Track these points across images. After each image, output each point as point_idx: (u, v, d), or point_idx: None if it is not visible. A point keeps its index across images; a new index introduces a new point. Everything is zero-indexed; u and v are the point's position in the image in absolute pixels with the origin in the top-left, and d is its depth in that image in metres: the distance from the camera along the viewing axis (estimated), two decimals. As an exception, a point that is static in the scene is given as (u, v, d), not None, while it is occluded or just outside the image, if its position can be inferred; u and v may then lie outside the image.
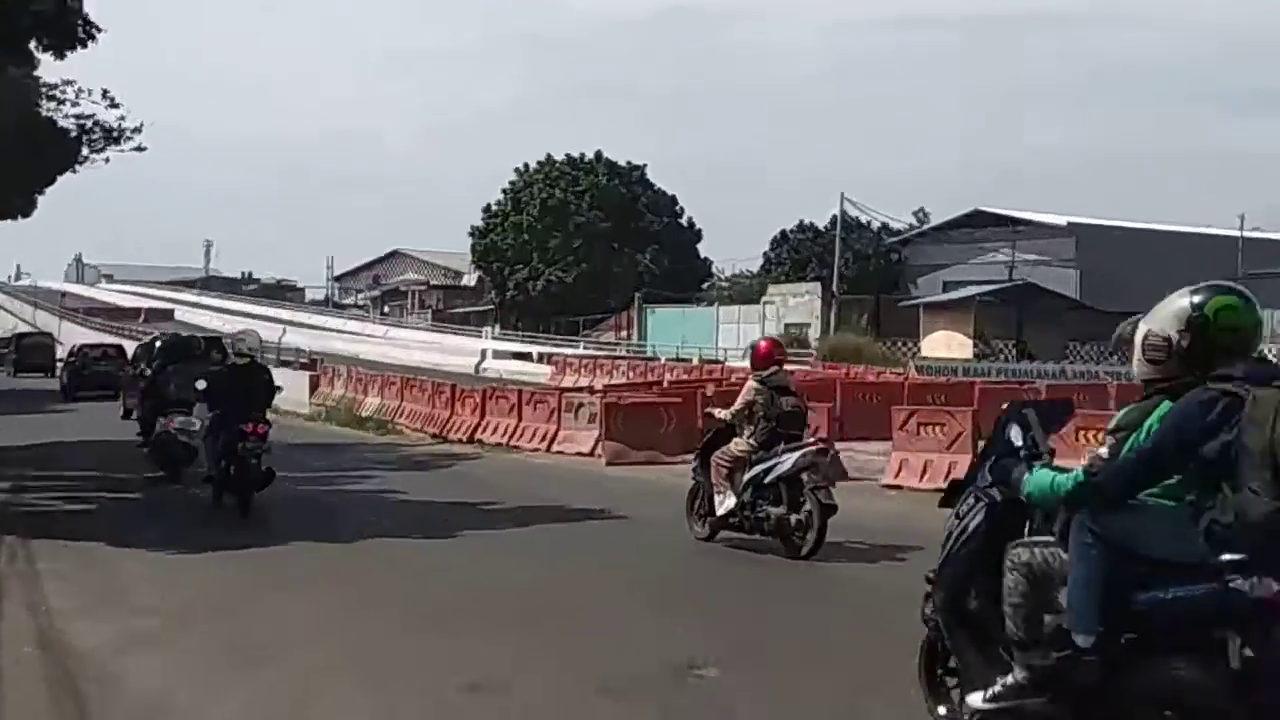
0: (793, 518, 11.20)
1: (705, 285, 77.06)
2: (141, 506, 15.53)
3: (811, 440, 11.92)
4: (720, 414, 12.16)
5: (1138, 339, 4.99)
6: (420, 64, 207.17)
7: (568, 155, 78.03)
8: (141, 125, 31.42)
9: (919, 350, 49.95)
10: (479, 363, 52.54)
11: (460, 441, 23.74)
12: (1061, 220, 57.87)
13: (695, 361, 48.30)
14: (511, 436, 22.80)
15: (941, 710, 5.59)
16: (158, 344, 25.40)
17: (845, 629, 8.30)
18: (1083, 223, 57.61)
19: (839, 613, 8.94)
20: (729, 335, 59.56)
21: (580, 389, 28.11)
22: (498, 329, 72.79)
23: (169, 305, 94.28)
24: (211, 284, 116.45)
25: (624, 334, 68.13)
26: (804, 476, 11.21)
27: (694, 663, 7.36)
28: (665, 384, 30.16)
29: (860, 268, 62.86)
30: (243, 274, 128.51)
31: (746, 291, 68.71)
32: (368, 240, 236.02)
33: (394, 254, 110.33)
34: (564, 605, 9.38)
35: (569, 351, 54.76)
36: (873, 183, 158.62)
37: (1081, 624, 4.81)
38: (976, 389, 26.10)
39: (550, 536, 12.89)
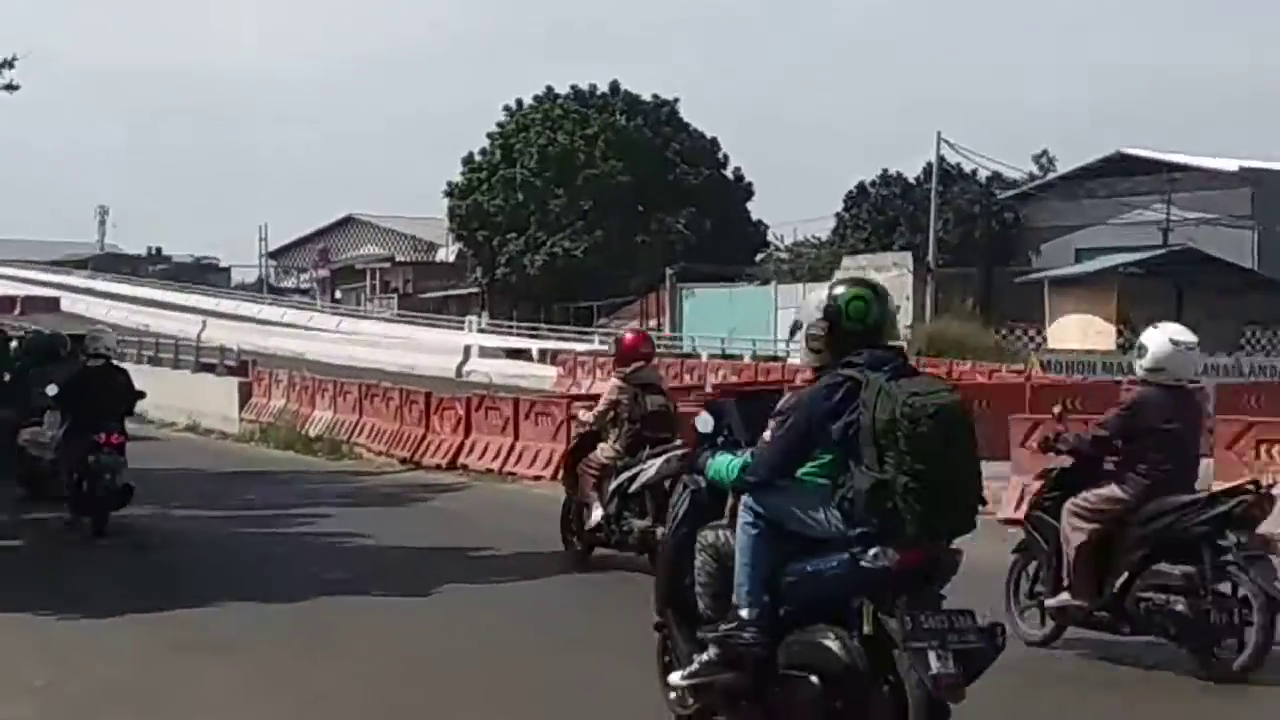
0: (658, 530, 11.78)
1: (759, 258, 77.02)
2: (24, 558, 15.62)
3: (678, 445, 12.82)
4: (584, 416, 14.30)
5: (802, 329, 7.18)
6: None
7: (574, 88, 78.19)
8: (14, 58, 31.58)
9: (1044, 340, 49.78)
10: (462, 363, 52.64)
11: (438, 467, 23.80)
12: (1232, 165, 57.51)
13: (747, 359, 48.24)
14: (505, 460, 22.83)
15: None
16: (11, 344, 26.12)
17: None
18: (1260, 167, 57.22)
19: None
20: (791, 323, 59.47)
21: (595, 397, 28.13)
22: (486, 318, 72.88)
23: (53, 293, 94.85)
24: (108, 263, 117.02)
25: (653, 323, 68.10)
26: (668, 485, 11.80)
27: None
28: (709, 389, 30.14)
29: (964, 231, 62.69)
30: (149, 250, 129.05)
31: (814, 265, 68.61)
32: (311, 203, 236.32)
33: (347, 221, 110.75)
34: (568, 685, 9.48)
35: (580, 348, 54.76)
36: (979, 120, 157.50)
37: (745, 598, 6.97)
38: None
39: (552, 592, 12.93)
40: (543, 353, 55.11)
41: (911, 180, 68.94)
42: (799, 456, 7.00)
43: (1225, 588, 9.46)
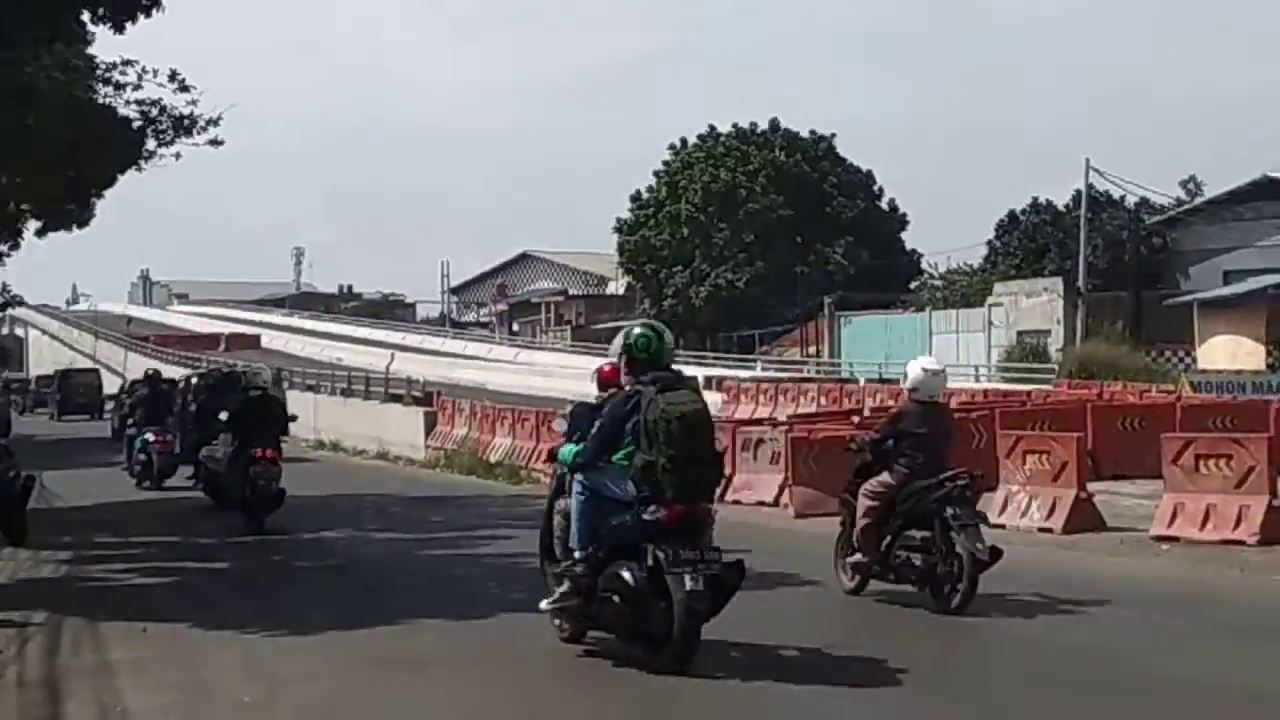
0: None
1: (913, 285, 76.42)
2: (230, 577, 15.96)
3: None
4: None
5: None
6: (538, 17, 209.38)
7: (735, 126, 78.31)
8: (220, 116, 32.34)
9: (1194, 361, 48.77)
10: (632, 390, 52.77)
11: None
12: (1382, 185, 56.02)
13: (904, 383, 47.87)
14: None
15: None
16: (193, 380, 33.70)
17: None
18: None
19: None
20: (946, 348, 58.88)
21: (760, 421, 28.07)
22: (654, 347, 72.95)
23: (255, 330, 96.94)
24: (304, 301, 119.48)
25: (812, 350, 67.89)
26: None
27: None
28: (867, 412, 29.95)
29: (1113, 256, 61.66)
30: (340, 288, 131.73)
31: (966, 291, 67.95)
32: (489, 242, 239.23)
33: (522, 257, 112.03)
34: (735, 696, 9.39)
35: (744, 374, 54.78)
36: (1128, 148, 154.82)
37: (577, 544, 10.23)
38: (1273, 410, 25.41)
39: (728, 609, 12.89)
40: (708, 379, 55.13)
41: (1061, 207, 68.06)
42: (609, 446, 10.19)
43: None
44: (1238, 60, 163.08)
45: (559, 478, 11.12)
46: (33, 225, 36.89)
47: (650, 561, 9.61)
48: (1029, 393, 37.25)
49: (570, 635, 10.75)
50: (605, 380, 15.33)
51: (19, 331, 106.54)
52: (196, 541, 19.31)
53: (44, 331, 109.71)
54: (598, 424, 10.33)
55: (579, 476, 10.31)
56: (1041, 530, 17.22)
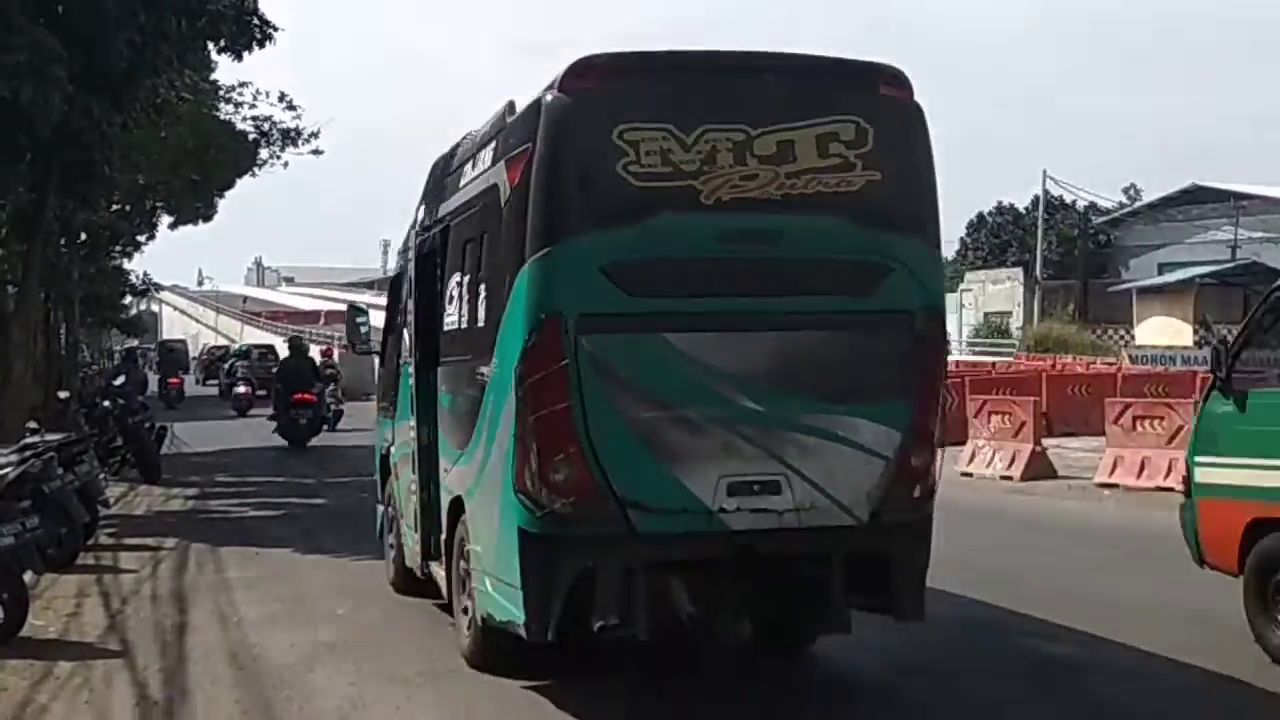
0: None
1: (898, 273, 76.06)
2: (326, 511, 15.98)
3: None
4: None
5: None
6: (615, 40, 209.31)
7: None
8: (319, 130, 32.44)
9: (1133, 338, 48.46)
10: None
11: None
12: (1290, 193, 55.48)
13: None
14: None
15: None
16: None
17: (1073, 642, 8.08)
18: (1315, 195, 55.15)
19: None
20: (924, 326, 58.69)
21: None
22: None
23: (346, 307, 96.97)
24: (388, 284, 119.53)
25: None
26: None
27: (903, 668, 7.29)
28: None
29: (1066, 251, 61.25)
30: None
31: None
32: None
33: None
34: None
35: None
36: (1079, 160, 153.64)
37: None
38: (1199, 379, 25.22)
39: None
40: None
41: (1021, 210, 67.65)
42: None
43: None
44: (1174, 86, 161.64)
45: None
46: (165, 220, 37.15)
47: None
48: (994, 364, 37.09)
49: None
50: None
51: (153, 308, 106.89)
52: (299, 481, 19.37)
53: (175, 308, 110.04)
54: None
55: None
56: (1003, 478, 17.16)
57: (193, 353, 71.06)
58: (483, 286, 7.57)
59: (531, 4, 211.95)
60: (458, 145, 9.00)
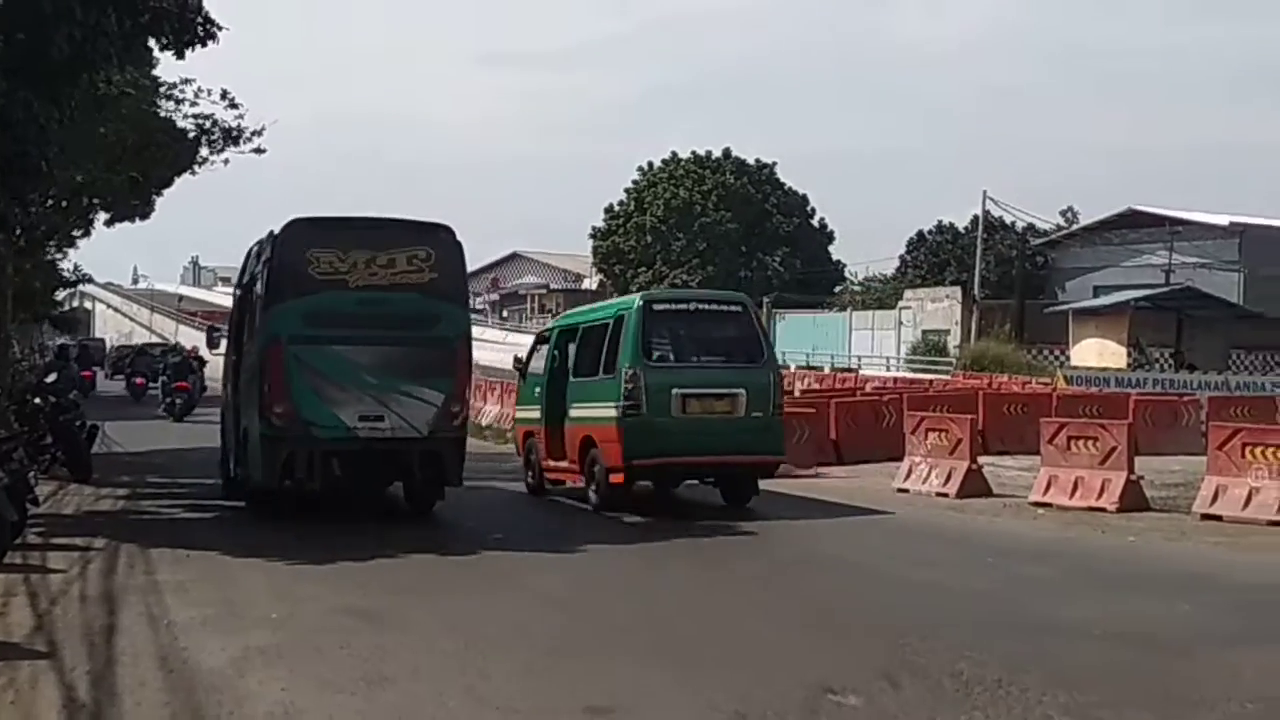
0: None
1: (837, 290, 76.53)
2: (259, 514, 15.79)
3: None
4: None
5: None
6: (530, 62, 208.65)
7: (693, 153, 78.20)
8: (262, 128, 32.17)
9: (1068, 359, 48.99)
10: (601, 369, 52.64)
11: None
12: (1223, 220, 56.36)
13: (827, 370, 47.95)
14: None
15: None
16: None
17: (995, 660, 8.14)
18: (1247, 222, 56.05)
19: (983, 639, 8.77)
20: (863, 342, 59.01)
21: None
22: (620, 335, 72.87)
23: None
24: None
25: (752, 340, 67.75)
26: None
27: (831, 688, 7.31)
28: (797, 393, 30.00)
29: (1003, 271, 61.92)
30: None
31: (881, 296, 68.07)
32: (486, 242, 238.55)
33: (512, 256, 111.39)
34: (691, 626, 9.37)
35: (694, 358, 54.65)
36: (1017, 182, 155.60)
37: None
38: (1132, 400, 25.57)
39: (676, 556, 12.89)
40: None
41: (961, 229, 68.31)
42: None
43: None
44: (1116, 117, 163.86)
45: None
46: (102, 216, 36.67)
47: None
48: (931, 381, 37.41)
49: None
50: None
51: (87, 305, 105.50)
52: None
53: (108, 305, 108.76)
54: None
55: None
56: (939, 494, 17.28)
57: None
58: (256, 318, 15.21)
59: (486, 12, 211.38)
60: (257, 242, 16.08)
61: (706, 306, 16.94)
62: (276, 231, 14.70)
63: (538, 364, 18.41)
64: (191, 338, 67.69)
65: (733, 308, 16.74)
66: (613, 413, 15.26)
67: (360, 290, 14.35)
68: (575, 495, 17.06)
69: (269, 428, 14.21)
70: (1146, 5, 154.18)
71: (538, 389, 17.93)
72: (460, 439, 14.81)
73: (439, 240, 14.86)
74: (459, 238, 14.98)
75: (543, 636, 8.99)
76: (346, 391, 14.17)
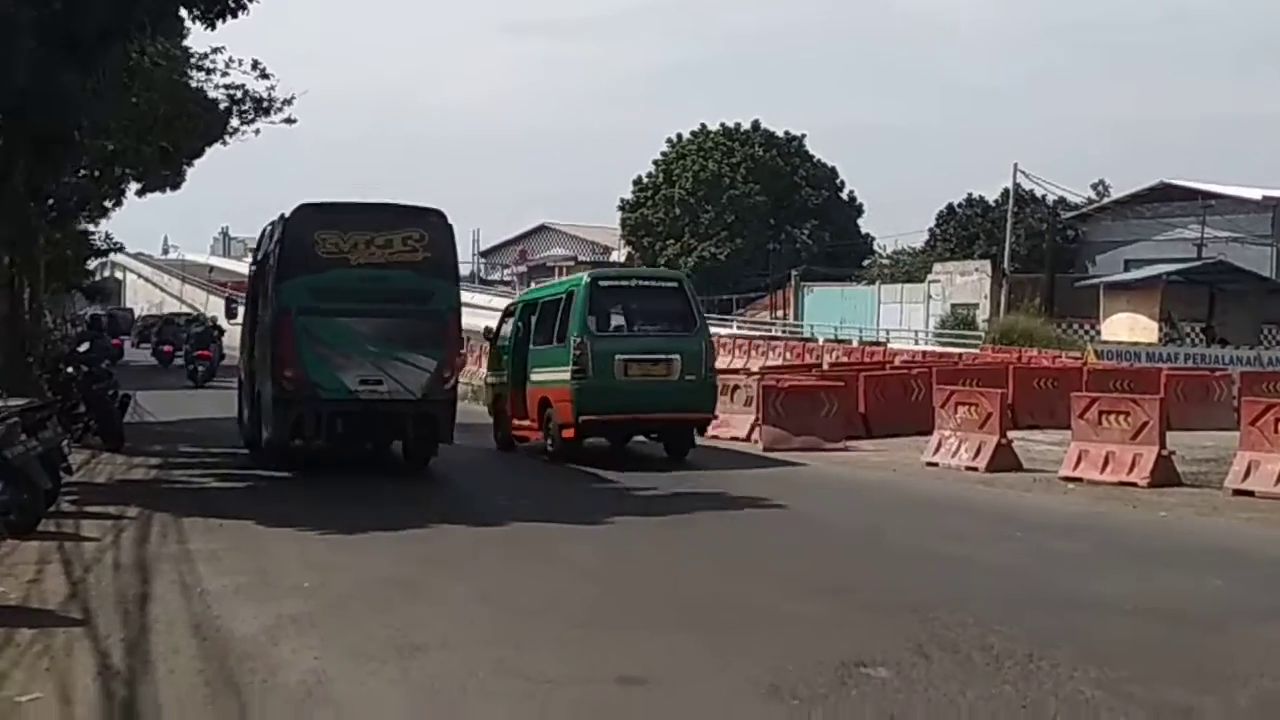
0: None
1: (866, 263, 76.22)
2: (291, 484, 15.93)
3: None
4: None
5: None
6: (554, 30, 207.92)
7: (722, 125, 77.91)
8: (293, 97, 32.17)
9: (1099, 333, 48.75)
10: (629, 341, 52.55)
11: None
12: (1256, 194, 55.89)
13: (855, 343, 47.87)
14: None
15: None
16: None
17: (1025, 634, 8.13)
18: (1280, 196, 55.62)
19: (1009, 613, 8.75)
20: (891, 316, 58.82)
21: (736, 370, 28.04)
22: (648, 307, 72.79)
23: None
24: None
25: (780, 313, 67.79)
26: None
27: (862, 660, 7.31)
28: (825, 366, 29.97)
29: (1033, 245, 61.56)
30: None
31: (910, 269, 67.82)
32: (513, 214, 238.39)
33: (541, 228, 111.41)
34: (722, 598, 9.38)
35: (722, 331, 54.59)
36: (1049, 155, 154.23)
37: None
38: (1163, 375, 25.41)
39: (705, 527, 12.91)
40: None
41: (991, 202, 67.94)
42: None
43: None
44: (1141, 91, 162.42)
45: None
46: (133, 186, 36.78)
47: None
48: (960, 355, 37.27)
49: None
50: None
51: (118, 275, 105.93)
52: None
53: (139, 275, 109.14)
54: None
55: None
56: (969, 469, 17.22)
57: None
58: (269, 292, 16.77)
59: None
60: (270, 224, 17.67)
61: (646, 283, 20.32)
62: (287, 215, 16.45)
63: (505, 335, 20.89)
64: (220, 308, 68.04)
65: (669, 284, 19.76)
66: (565, 376, 17.74)
67: (361, 268, 15.94)
68: (536, 450, 19.18)
69: (280, 390, 15.89)
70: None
71: (504, 356, 20.49)
72: (451, 401, 16.44)
73: (430, 223, 16.54)
74: (449, 220, 16.78)
75: (575, 608, 9.02)
76: (349, 358, 15.79)
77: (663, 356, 17.77)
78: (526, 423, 19.30)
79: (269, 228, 17.75)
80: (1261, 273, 51.74)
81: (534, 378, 18.98)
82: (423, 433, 16.34)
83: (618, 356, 17.54)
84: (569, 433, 17.74)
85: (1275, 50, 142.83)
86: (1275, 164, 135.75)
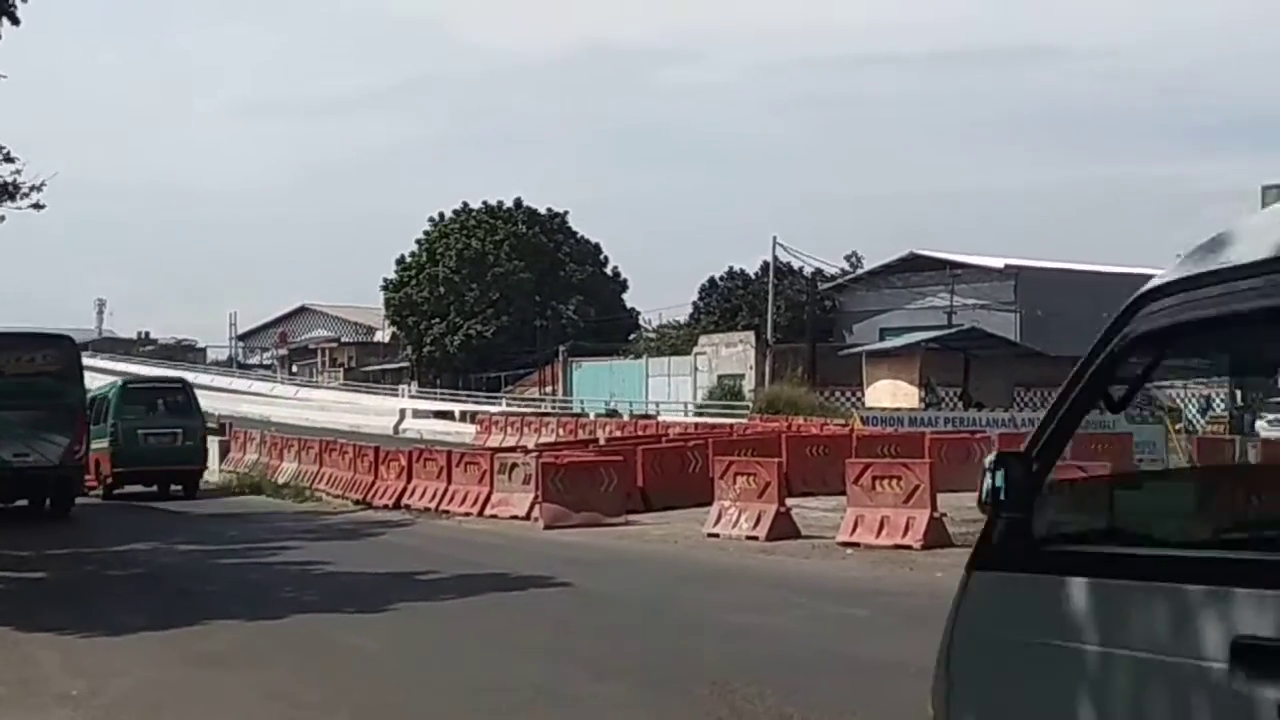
0: None
1: (632, 337, 77.04)
2: (47, 585, 15.12)
3: None
4: None
5: None
6: (315, 110, 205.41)
7: (485, 203, 78.01)
8: (43, 183, 30.92)
9: (862, 400, 50.15)
10: (398, 423, 52.03)
11: (386, 507, 23.47)
12: (999, 262, 58.64)
13: (626, 416, 48.19)
14: (441, 500, 22.56)
15: None
16: None
17: (822, 702, 8.19)
18: (1021, 264, 58.44)
19: (823, 684, 8.82)
20: (659, 388, 59.55)
21: (513, 448, 27.89)
22: (415, 387, 72.15)
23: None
24: (106, 345, 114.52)
25: (549, 389, 67.88)
26: None
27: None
28: (602, 441, 30.05)
29: (794, 315, 63.21)
30: (139, 334, 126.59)
31: (675, 342, 68.84)
32: (272, 295, 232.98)
33: (301, 309, 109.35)
34: (518, 682, 9.18)
35: (492, 409, 54.44)
36: (804, 228, 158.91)
37: None
38: (927, 439, 26.24)
39: (492, 609, 12.71)
40: (463, 413, 54.74)
41: (751, 275, 69.64)
42: None
43: None
44: (899, 168, 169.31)
45: None
46: None
47: None
48: (732, 426, 37.83)
49: None
50: None
51: None
52: (14, 554, 18.19)
53: None
54: None
55: None
56: (749, 538, 17.40)
57: None
58: None
59: (259, 61, 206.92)
60: None
61: (161, 385, 33.90)
62: None
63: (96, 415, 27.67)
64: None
65: (176, 384, 33.07)
66: (106, 444, 27.19)
67: (11, 377, 22.73)
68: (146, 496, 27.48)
69: None
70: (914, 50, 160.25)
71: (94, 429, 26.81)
72: (81, 467, 23.89)
73: (62, 345, 24.47)
74: (77, 343, 25.99)
75: (367, 702, 8.72)
76: (4, 439, 22.10)
77: (169, 430, 28.52)
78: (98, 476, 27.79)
79: None
80: (1009, 337, 54.15)
81: (94, 446, 25.86)
82: (61, 490, 23.51)
83: (139, 430, 28.05)
84: (110, 480, 28.11)
85: (1013, 127, 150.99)
86: (1013, 233, 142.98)
